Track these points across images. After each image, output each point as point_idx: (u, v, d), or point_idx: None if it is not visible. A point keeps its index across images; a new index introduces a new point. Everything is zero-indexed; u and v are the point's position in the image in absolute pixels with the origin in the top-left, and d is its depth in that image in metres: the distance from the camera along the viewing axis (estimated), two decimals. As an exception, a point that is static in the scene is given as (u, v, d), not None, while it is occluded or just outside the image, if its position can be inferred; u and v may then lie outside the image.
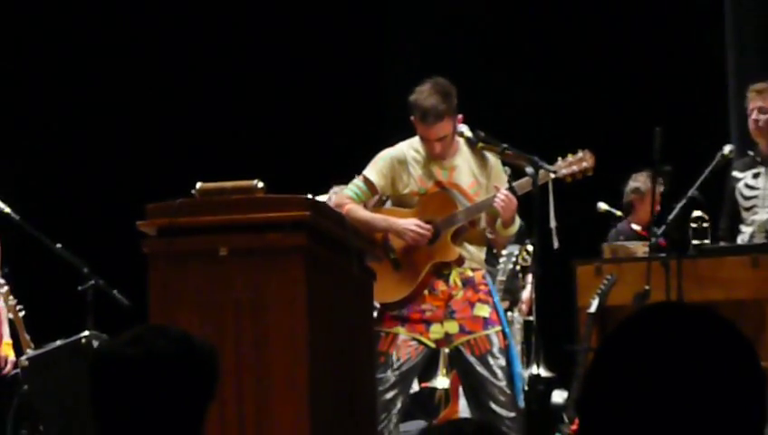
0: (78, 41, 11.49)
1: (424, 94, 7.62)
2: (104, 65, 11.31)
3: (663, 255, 8.06)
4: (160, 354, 3.24)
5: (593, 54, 11.48)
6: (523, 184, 7.61)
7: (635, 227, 9.74)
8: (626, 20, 11.53)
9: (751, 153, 8.75)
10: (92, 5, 11.66)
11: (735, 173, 8.71)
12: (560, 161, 7.69)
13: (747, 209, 8.71)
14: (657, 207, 8.82)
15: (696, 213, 8.27)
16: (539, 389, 7.72)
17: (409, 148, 7.77)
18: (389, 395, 7.57)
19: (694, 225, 8.24)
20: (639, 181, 9.80)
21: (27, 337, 8.19)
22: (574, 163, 7.69)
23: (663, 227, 8.30)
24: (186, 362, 3.26)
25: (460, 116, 7.69)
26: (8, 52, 11.08)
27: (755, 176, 8.70)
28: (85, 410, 7.62)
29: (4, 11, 11.09)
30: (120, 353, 3.27)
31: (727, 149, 8.58)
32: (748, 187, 8.69)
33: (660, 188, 9.09)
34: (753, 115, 8.67)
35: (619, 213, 9.72)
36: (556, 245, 7.62)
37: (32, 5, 11.49)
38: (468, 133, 7.72)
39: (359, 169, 7.88)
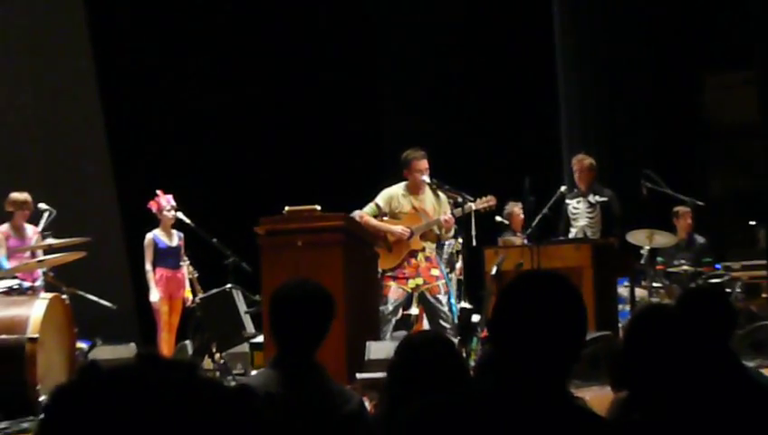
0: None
1: (413, 150, 7.64)
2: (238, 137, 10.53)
3: (529, 243, 7.98)
4: (313, 293, 3.10)
5: (494, 137, 11.14)
6: (458, 211, 7.59)
7: (514, 230, 9.68)
8: (506, 116, 11.21)
9: (576, 190, 8.63)
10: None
11: (567, 200, 8.58)
12: (478, 200, 7.62)
13: (574, 220, 8.58)
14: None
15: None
16: (465, 314, 7.64)
17: (399, 188, 7.70)
18: (388, 318, 7.49)
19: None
20: (510, 208, 9.70)
21: (199, 287, 8.13)
22: (485, 202, 7.65)
23: (530, 230, 8.19)
24: (325, 296, 3.12)
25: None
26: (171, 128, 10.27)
27: (578, 202, 8.57)
28: (231, 326, 7.66)
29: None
30: (290, 294, 3.10)
31: (563, 188, 8.53)
32: (574, 208, 8.58)
33: (519, 213, 9.20)
34: (576, 171, 8.62)
35: (507, 222, 9.62)
36: (474, 243, 7.59)
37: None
38: (428, 180, 7.63)
39: (369, 195, 7.82)
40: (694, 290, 4.27)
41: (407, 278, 7.61)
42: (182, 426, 0.86)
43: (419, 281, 7.60)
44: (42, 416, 0.89)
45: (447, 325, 7.47)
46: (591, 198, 8.54)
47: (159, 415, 0.85)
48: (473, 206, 7.54)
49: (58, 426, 0.87)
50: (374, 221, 7.63)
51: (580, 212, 8.57)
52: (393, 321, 7.57)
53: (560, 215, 8.65)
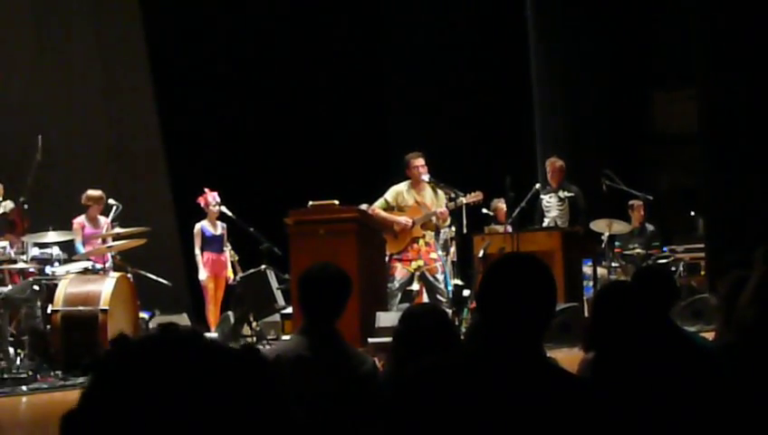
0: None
1: (411, 153, 7.60)
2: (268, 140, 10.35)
3: (510, 231, 7.94)
4: (334, 274, 3.04)
5: (481, 141, 11.10)
6: (451, 205, 7.53)
7: (499, 221, 9.62)
8: (487, 124, 11.07)
9: (548, 187, 8.63)
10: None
11: (542, 196, 8.58)
12: (468, 195, 7.56)
13: (546, 212, 8.57)
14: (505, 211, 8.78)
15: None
16: (457, 289, 7.61)
17: (404, 186, 7.65)
18: (394, 293, 7.47)
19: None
20: (494, 203, 9.59)
21: (239, 268, 8.15)
22: (474, 197, 7.57)
23: (511, 219, 8.16)
24: (344, 277, 3.06)
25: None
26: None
27: (550, 197, 8.56)
28: (265, 300, 7.64)
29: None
30: (316, 275, 2.97)
31: (537, 185, 8.52)
32: (547, 202, 8.57)
33: (503, 207, 9.11)
34: (549, 171, 8.55)
35: (492, 213, 9.55)
36: (465, 231, 7.59)
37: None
38: (427, 179, 7.58)
39: (379, 191, 7.73)
40: (645, 269, 4.27)
41: (410, 260, 7.59)
42: (193, 379, 0.91)
43: (420, 263, 7.58)
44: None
45: (443, 299, 7.46)
46: (561, 194, 8.53)
47: (174, 371, 0.91)
48: (464, 200, 7.52)
49: (98, 386, 0.93)
50: (383, 213, 7.60)
51: (552, 205, 8.55)
52: (398, 295, 7.55)
53: (535, 208, 8.63)
